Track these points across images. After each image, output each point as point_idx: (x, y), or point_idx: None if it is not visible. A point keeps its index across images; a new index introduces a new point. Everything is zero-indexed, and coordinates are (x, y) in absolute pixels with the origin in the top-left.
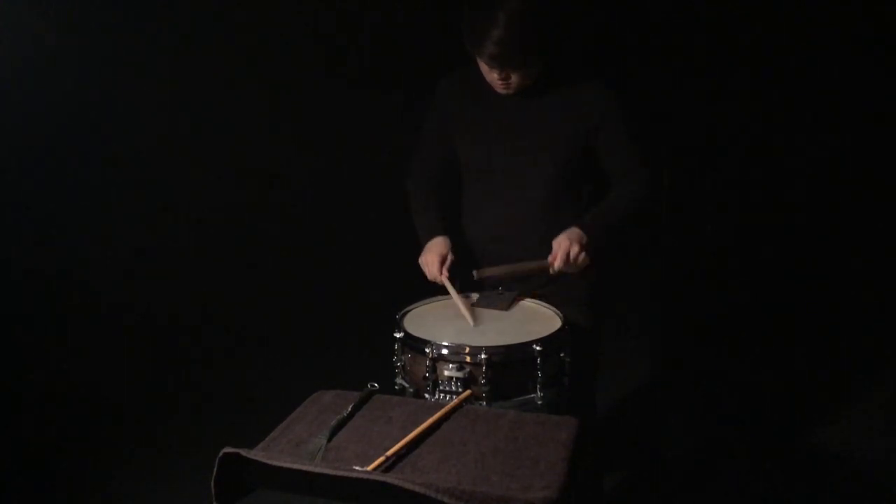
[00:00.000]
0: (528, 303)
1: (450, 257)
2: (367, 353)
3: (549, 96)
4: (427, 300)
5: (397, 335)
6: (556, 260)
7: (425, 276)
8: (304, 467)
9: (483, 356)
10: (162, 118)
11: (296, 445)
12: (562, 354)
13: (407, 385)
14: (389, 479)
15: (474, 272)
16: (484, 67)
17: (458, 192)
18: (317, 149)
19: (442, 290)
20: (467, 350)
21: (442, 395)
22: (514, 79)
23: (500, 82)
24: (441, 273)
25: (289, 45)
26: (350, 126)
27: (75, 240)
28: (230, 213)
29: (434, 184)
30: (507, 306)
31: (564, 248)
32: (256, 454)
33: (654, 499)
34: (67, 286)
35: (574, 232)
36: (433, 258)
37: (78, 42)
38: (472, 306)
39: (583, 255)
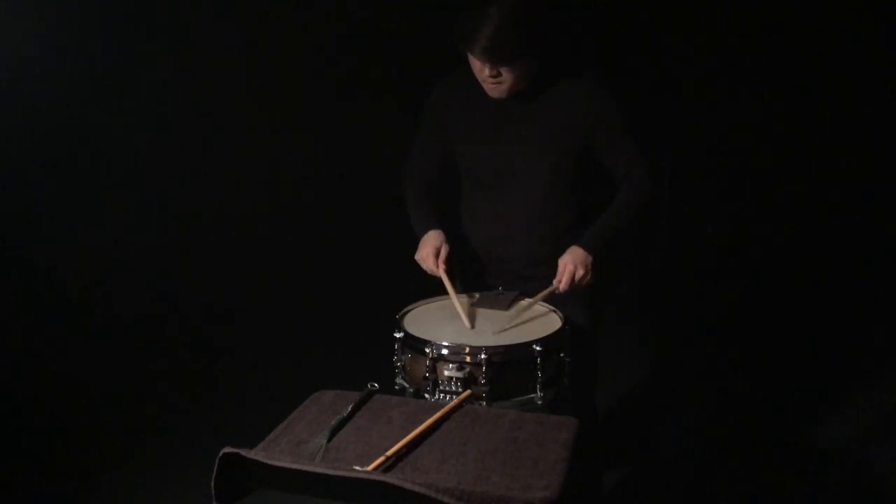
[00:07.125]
0: (528, 303)
1: (444, 248)
2: (367, 353)
3: (545, 97)
4: (427, 300)
5: (397, 335)
6: (562, 284)
7: (425, 273)
8: (304, 467)
9: (483, 356)
10: (163, 119)
11: (296, 445)
12: (562, 354)
13: (407, 385)
14: (389, 479)
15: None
16: (476, 66)
17: (456, 194)
18: (316, 149)
19: (443, 289)
20: (467, 350)
21: (442, 395)
22: (505, 77)
23: (490, 81)
24: (437, 266)
25: (289, 46)
26: (350, 127)
27: (76, 240)
28: (230, 213)
29: (429, 185)
30: (507, 306)
31: (570, 271)
32: (256, 454)
33: (654, 499)
34: (68, 286)
35: (578, 253)
36: (428, 251)
37: (78, 43)
38: (471, 306)
39: (588, 276)
